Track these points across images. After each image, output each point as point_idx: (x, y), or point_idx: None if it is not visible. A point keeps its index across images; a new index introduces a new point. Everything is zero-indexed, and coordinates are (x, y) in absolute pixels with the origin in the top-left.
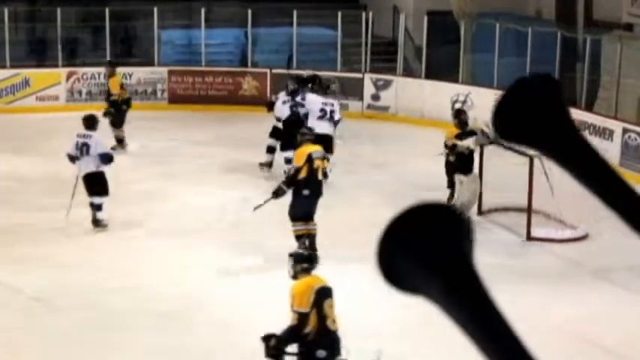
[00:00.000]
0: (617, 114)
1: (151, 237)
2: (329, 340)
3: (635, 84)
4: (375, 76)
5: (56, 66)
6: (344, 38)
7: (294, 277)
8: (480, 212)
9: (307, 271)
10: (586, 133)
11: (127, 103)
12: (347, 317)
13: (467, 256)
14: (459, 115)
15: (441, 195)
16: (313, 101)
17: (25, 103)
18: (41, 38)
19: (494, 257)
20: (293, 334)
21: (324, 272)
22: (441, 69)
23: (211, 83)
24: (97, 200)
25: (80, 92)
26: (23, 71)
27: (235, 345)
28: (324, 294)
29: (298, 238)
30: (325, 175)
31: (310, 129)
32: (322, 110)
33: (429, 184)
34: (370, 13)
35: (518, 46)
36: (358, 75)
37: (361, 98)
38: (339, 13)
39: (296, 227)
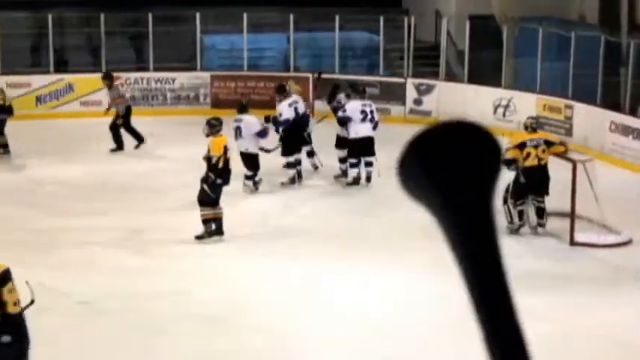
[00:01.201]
0: None
1: (194, 242)
2: (13, 325)
3: None
4: (417, 80)
5: (99, 71)
6: (386, 43)
7: None
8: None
9: None
10: (630, 138)
11: (9, 110)
12: (388, 320)
13: (486, 190)
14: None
15: None
16: (352, 106)
17: (69, 109)
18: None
19: (538, 262)
20: None
21: (373, 276)
22: (484, 73)
23: (254, 88)
24: (248, 172)
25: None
26: (67, 76)
27: (281, 351)
28: (1, 280)
29: (205, 222)
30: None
31: (219, 121)
32: (363, 112)
33: None
34: (412, 18)
35: (561, 50)
36: (400, 80)
37: (403, 103)
38: (382, 18)
39: (204, 212)
